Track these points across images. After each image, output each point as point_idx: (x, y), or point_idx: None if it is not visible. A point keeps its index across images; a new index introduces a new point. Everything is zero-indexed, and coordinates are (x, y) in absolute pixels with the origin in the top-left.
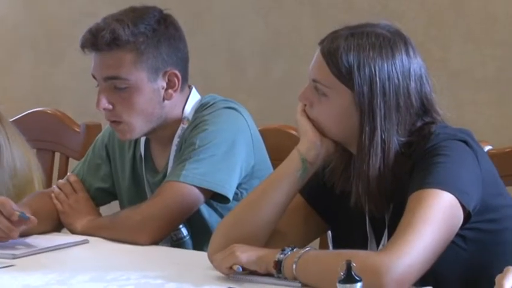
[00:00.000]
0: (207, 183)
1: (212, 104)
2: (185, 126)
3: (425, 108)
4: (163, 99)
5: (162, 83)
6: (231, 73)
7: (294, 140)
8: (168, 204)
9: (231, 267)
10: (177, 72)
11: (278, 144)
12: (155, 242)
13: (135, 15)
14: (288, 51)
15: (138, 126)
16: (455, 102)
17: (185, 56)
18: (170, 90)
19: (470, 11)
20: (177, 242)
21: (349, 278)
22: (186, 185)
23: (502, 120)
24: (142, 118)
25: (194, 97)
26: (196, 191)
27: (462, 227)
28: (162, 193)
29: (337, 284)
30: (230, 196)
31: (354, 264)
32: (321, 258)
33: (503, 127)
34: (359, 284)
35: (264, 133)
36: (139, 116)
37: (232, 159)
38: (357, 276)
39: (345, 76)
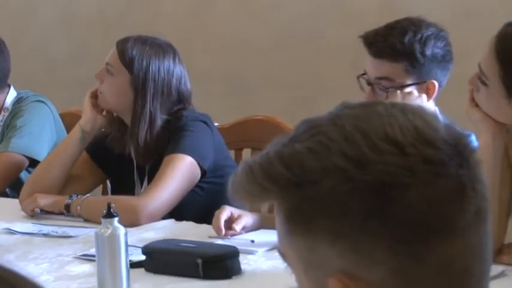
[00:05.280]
0: (30, 152)
1: (26, 97)
2: (6, 114)
3: (180, 99)
4: None
5: None
6: (45, 71)
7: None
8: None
9: (33, 210)
10: None
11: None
12: None
13: None
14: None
15: None
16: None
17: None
18: None
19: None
20: None
21: (109, 214)
22: (13, 153)
23: (232, 104)
24: None
25: (12, 93)
26: (22, 157)
27: (200, 181)
28: None
29: (101, 219)
30: None
31: (113, 205)
32: (97, 201)
33: (232, 109)
34: (116, 219)
35: (65, 117)
36: None
37: (43, 137)
38: (115, 213)
39: (128, 64)
